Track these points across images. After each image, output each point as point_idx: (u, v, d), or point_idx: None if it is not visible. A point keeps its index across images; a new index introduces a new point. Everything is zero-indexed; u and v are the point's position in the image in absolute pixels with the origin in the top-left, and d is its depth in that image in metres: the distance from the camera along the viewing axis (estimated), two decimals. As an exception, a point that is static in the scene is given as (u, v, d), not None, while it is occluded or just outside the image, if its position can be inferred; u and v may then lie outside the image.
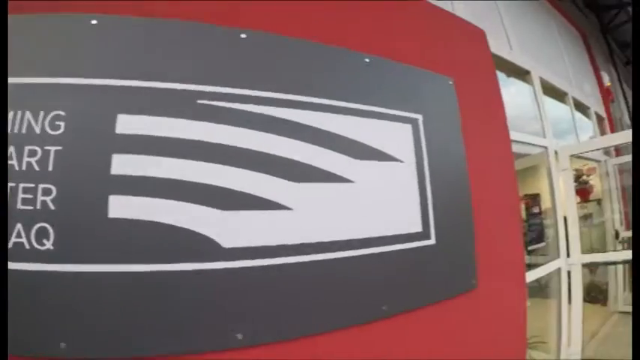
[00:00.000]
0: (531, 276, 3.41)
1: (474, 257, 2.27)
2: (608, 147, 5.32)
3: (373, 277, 1.83)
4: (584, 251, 5.89)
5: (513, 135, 3.29)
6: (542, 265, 3.64)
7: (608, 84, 6.69)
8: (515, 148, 3.59)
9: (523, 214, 3.68)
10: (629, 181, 6.43)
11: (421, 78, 2.31)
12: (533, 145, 3.76)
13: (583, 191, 6.02)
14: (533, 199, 3.82)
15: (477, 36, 3.02)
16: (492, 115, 2.80)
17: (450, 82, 2.46)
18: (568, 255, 3.83)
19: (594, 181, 5.96)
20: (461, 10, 3.17)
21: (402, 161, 2.04)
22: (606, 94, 6.59)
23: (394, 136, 2.06)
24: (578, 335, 3.83)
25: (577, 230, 3.86)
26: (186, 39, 1.65)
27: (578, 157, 5.02)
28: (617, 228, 5.69)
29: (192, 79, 1.59)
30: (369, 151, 1.94)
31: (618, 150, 5.97)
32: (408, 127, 2.12)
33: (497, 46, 3.60)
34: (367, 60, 2.10)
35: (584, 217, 6.15)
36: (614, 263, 5.05)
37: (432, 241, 2.05)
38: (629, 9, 8.47)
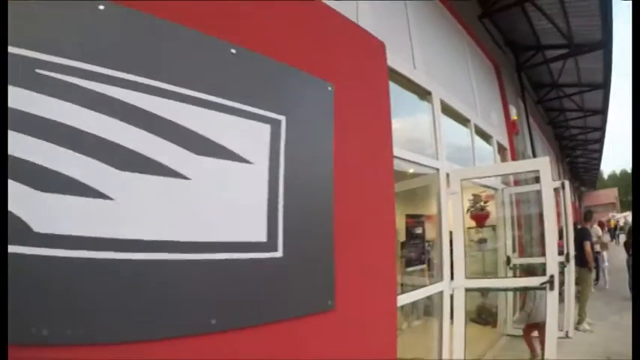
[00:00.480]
0: (410, 298, 3.31)
1: (331, 276, 2.08)
2: (499, 175, 5.42)
3: (203, 286, 1.60)
4: (477, 275, 6.03)
5: (403, 153, 3.19)
6: (424, 286, 3.56)
7: (515, 117, 6.95)
8: (407, 167, 3.51)
9: (404, 234, 3.57)
10: (525, 210, 6.66)
11: (294, 78, 2.12)
12: (425, 166, 3.71)
13: (479, 217, 6.13)
14: (417, 219, 3.74)
15: (375, 48, 2.90)
16: (377, 128, 2.67)
17: (330, 88, 2.28)
18: (452, 278, 3.78)
19: (491, 207, 6.09)
20: (365, 21, 3.02)
21: (251, 163, 1.81)
22: (512, 127, 6.82)
23: (248, 135, 1.84)
24: (460, 357, 3.81)
25: (462, 254, 3.83)
26: (41, 5, 1.39)
27: (471, 182, 5.10)
28: (509, 254, 5.82)
29: (34, 46, 1.35)
30: (215, 148, 1.71)
31: (517, 180, 6.15)
32: (267, 127, 1.91)
33: (400, 62, 3.51)
34: (233, 51, 1.88)
35: (479, 242, 6.29)
36: (499, 290, 5.07)
37: (278, 254, 1.83)
38: (547, 52, 8.94)
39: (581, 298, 6.69)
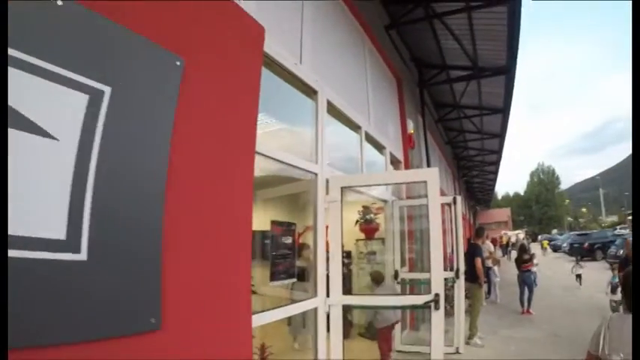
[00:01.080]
0: (277, 315, 3.03)
1: (157, 288, 1.77)
2: (384, 184, 5.31)
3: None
4: (363, 289, 5.96)
5: (274, 153, 2.98)
6: (296, 302, 3.34)
7: (412, 131, 7.07)
8: (284, 170, 3.30)
9: (269, 243, 3.27)
10: (418, 224, 6.77)
11: (132, 45, 1.80)
12: (302, 169, 3.50)
13: (369, 229, 6.11)
14: (287, 227, 3.47)
15: (252, 31, 2.66)
16: (238, 118, 2.41)
17: (178, 63, 1.98)
18: (328, 294, 3.60)
19: (381, 220, 6.08)
20: (248, 3, 2.76)
21: (55, 139, 1.47)
22: (408, 140, 6.93)
23: (57, 104, 1.50)
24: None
25: (339, 268, 3.65)
26: None
27: (363, 193, 5.03)
28: (397, 268, 5.84)
29: None
30: (10, 117, 1.34)
31: (409, 194, 6.21)
32: (84, 98, 1.57)
33: (284, 53, 3.31)
34: (60, 2, 1.53)
35: (369, 255, 6.27)
36: (379, 308, 4.93)
37: (81, 257, 1.49)
38: (451, 72, 9.30)
39: (472, 313, 6.90)
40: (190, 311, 1.93)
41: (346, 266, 6.90)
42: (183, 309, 1.88)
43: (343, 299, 3.66)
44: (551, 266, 22.24)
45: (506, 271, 14.16)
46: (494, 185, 31.10)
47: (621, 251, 7.93)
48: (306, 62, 3.68)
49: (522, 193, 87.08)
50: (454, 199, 5.78)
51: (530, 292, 9.57)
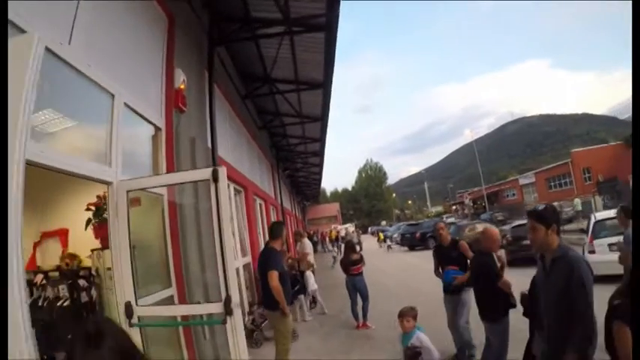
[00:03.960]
0: None
1: None
2: None
3: None
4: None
5: None
6: None
7: (182, 86, 4.96)
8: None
9: None
10: (190, 218, 4.86)
11: None
12: None
13: (105, 235, 3.67)
14: None
15: None
16: None
17: None
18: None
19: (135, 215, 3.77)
20: None
21: None
22: (175, 98, 4.86)
23: None
24: None
25: None
26: None
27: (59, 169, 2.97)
28: (130, 299, 3.41)
29: None
30: None
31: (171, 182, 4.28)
32: None
33: None
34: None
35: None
36: None
37: None
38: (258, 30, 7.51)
39: (277, 354, 4.90)
40: None
41: (86, 291, 4.73)
42: None
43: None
44: (383, 258, 22.61)
45: (337, 269, 13.21)
46: (320, 178, 31.00)
47: (456, 238, 6.85)
48: None
49: (350, 189, 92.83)
50: (214, 172, 3.35)
51: (365, 300, 7.88)
